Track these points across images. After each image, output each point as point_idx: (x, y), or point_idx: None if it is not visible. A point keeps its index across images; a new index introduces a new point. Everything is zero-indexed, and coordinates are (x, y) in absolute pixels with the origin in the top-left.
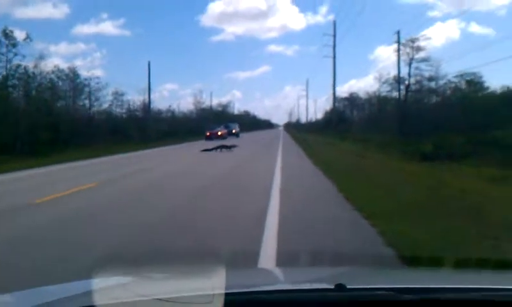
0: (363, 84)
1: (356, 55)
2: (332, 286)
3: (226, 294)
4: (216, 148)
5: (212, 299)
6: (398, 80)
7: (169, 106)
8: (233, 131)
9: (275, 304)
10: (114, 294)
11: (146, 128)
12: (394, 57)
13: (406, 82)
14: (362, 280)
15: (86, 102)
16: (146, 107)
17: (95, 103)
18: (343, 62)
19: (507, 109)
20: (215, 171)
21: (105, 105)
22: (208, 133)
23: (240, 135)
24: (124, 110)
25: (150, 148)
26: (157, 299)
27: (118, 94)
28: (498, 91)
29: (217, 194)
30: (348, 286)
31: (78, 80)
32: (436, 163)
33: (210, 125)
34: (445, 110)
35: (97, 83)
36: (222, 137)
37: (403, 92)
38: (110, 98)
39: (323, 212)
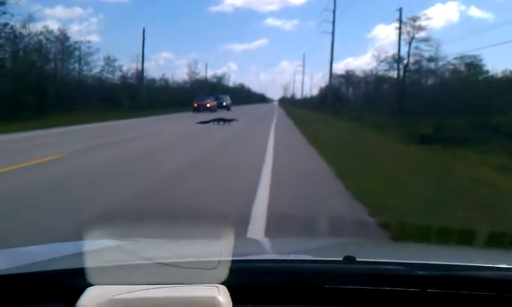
0: (359, 62)
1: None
2: (341, 258)
3: (233, 262)
4: (213, 121)
5: (218, 265)
6: (398, 58)
7: (163, 75)
8: (224, 103)
9: (283, 273)
10: (107, 256)
11: (138, 96)
12: (393, 36)
13: (405, 62)
14: (371, 253)
15: (76, 66)
16: (140, 74)
17: (85, 68)
18: (341, 40)
19: (508, 93)
20: (198, 148)
21: (96, 71)
22: (196, 105)
23: (233, 108)
24: (116, 77)
25: (140, 116)
26: (159, 263)
27: (110, 60)
28: (499, 74)
29: (192, 185)
30: (358, 259)
31: (68, 43)
32: (436, 147)
33: (199, 95)
34: (444, 92)
35: (88, 47)
36: (211, 109)
37: (401, 72)
38: (101, 63)
39: (319, 202)
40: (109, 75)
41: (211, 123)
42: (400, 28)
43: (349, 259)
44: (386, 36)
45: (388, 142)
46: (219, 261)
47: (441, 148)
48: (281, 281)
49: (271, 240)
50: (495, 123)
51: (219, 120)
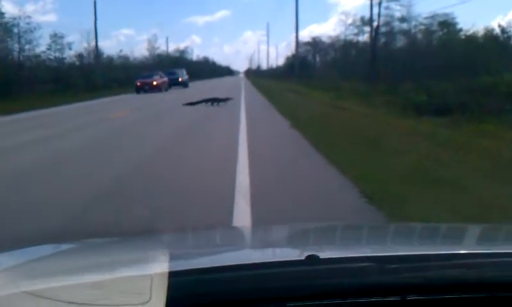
0: (324, 29)
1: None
2: (302, 258)
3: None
4: (205, 101)
5: (150, 284)
6: (370, 20)
7: (121, 51)
8: (179, 79)
9: (230, 282)
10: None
11: (93, 76)
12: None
13: (375, 24)
14: (340, 246)
15: (16, 46)
16: (94, 51)
17: (27, 47)
18: (304, 7)
19: (491, 52)
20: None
21: (41, 50)
22: (139, 84)
23: (195, 84)
24: (66, 56)
25: (95, 98)
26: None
27: (57, 37)
28: (481, 32)
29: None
30: (322, 257)
31: (2, 20)
32: (447, 119)
33: (144, 72)
34: (419, 54)
35: (28, 23)
36: (159, 88)
37: (371, 35)
38: (48, 41)
39: None
40: (57, 54)
41: (202, 104)
42: None
43: (311, 259)
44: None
45: (387, 116)
46: (152, 277)
47: (456, 122)
48: (236, 293)
49: (216, 234)
50: (487, 83)
51: (212, 100)
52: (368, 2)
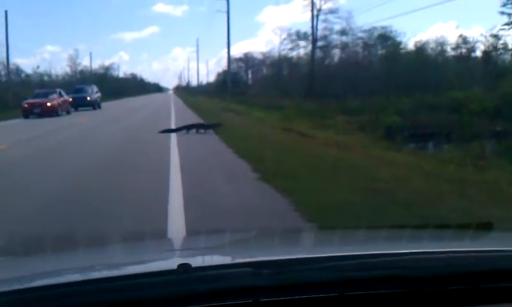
0: (255, 45)
1: (245, 16)
2: (175, 267)
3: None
4: (186, 128)
5: None
6: (312, 33)
7: (38, 67)
8: (88, 98)
9: (101, 294)
10: None
11: (6, 95)
12: (291, 13)
13: (317, 37)
14: (216, 254)
15: None
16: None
17: None
18: (234, 24)
19: (445, 66)
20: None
21: None
22: (26, 105)
23: (118, 102)
24: None
25: (4, 119)
26: None
27: None
28: (411, 46)
29: None
30: (194, 265)
31: None
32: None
33: (35, 89)
34: (362, 68)
35: None
36: (54, 110)
37: (305, 50)
38: None
39: None
40: None
41: (183, 132)
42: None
43: (184, 268)
44: (281, 14)
45: (372, 147)
46: None
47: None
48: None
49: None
50: (456, 100)
51: (197, 126)
52: (298, 19)
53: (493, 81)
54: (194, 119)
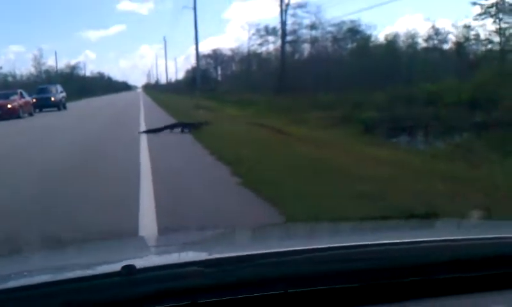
0: (224, 41)
1: (215, 11)
2: (118, 269)
3: None
4: (170, 127)
5: None
6: (282, 29)
7: (0, 68)
8: (52, 99)
9: (41, 299)
10: None
11: None
12: (261, 6)
13: (284, 32)
14: (165, 254)
15: None
16: None
17: None
18: (202, 20)
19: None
20: None
21: None
22: None
23: (84, 102)
24: None
25: None
26: None
27: None
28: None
29: None
30: (138, 267)
31: None
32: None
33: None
34: (332, 62)
35: None
36: (15, 112)
37: (275, 46)
38: None
39: None
40: None
41: (167, 131)
42: None
43: (128, 270)
44: (249, 10)
45: (353, 144)
46: None
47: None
48: None
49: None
50: (425, 93)
51: (182, 125)
52: (267, 14)
53: (465, 72)
54: (164, 117)
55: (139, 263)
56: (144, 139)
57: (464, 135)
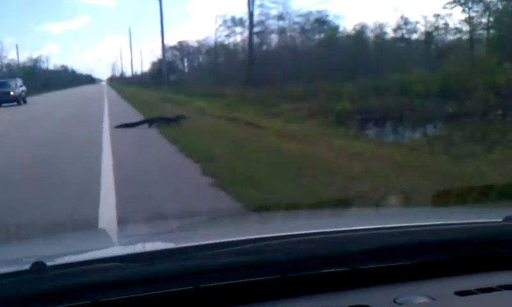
0: (192, 32)
1: (180, 2)
2: (27, 267)
3: None
4: (148, 121)
5: None
6: (250, 19)
7: None
8: (11, 93)
9: None
10: None
11: None
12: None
13: (248, 23)
14: (81, 251)
15: None
16: None
17: None
18: (167, 11)
19: (384, 50)
20: None
21: None
22: None
23: (50, 95)
24: None
25: None
26: None
27: None
28: (350, 30)
29: None
30: (49, 264)
31: None
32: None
33: None
34: (300, 54)
35: None
36: None
37: (242, 37)
38: None
39: None
40: None
41: (141, 126)
42: None
43: (38, 267)
44: (215, 1)
45: (328, 135)
46: None
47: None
48: None
49: None
50: (393, 83)
51: (159, 120)
52: (233, 4)
53: (434, 62)
54: (130, 112)
55: (51, 260)
56: (106, 140)
57: (438, 125)
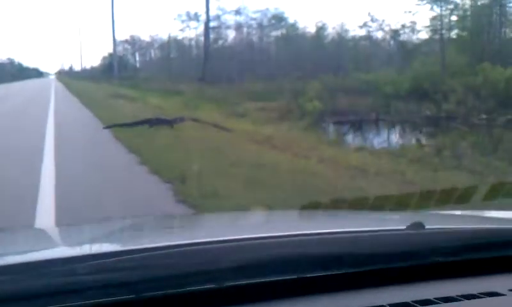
0: (144, 25)
1: None
2: None
3: None
4: (142, 123)
5: None
6: (207, 13)
7: None
8: None
9: None
10: None
11: None
12: None
13: (205, 18)
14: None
15: None
16: None
17: None
18: (119, 3)
19: (346, 50)
20: None
21: None
22: None
23: None
24: None
25: None
26: None
27: None
28: (310, 28)
29: None
30: None
31: None
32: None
33: None
34: (258, 51)
35: None
36: None
37: (196, 32)
38: None
39: None
40: None
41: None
42: None
43: None
44: None
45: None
46: None
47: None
48: None
49: None
50: (361, 83)
51: (155, 122)
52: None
53: (401, 61)
54: (77, 107)
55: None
56: (49, 140)
57: (424, 131)
